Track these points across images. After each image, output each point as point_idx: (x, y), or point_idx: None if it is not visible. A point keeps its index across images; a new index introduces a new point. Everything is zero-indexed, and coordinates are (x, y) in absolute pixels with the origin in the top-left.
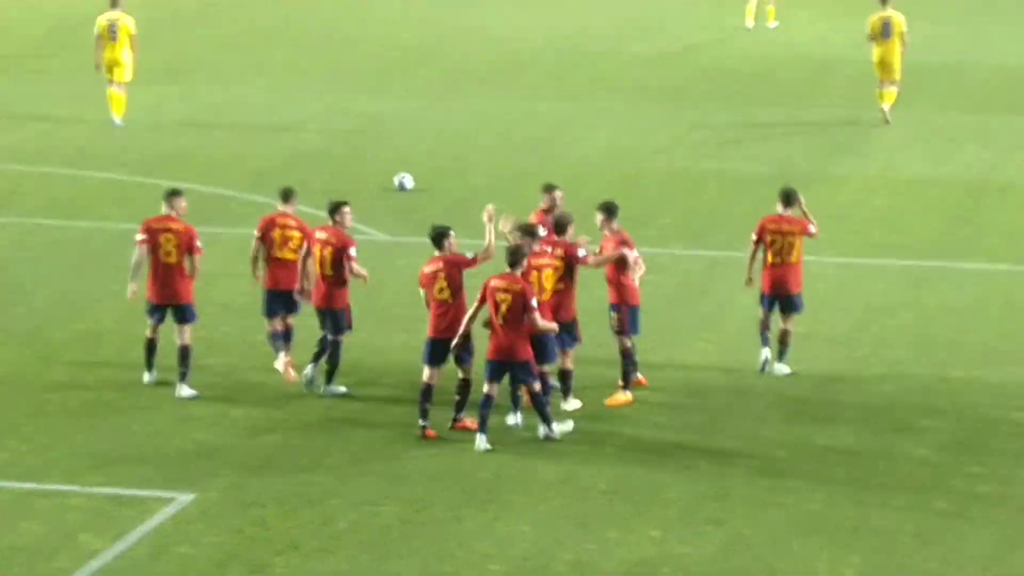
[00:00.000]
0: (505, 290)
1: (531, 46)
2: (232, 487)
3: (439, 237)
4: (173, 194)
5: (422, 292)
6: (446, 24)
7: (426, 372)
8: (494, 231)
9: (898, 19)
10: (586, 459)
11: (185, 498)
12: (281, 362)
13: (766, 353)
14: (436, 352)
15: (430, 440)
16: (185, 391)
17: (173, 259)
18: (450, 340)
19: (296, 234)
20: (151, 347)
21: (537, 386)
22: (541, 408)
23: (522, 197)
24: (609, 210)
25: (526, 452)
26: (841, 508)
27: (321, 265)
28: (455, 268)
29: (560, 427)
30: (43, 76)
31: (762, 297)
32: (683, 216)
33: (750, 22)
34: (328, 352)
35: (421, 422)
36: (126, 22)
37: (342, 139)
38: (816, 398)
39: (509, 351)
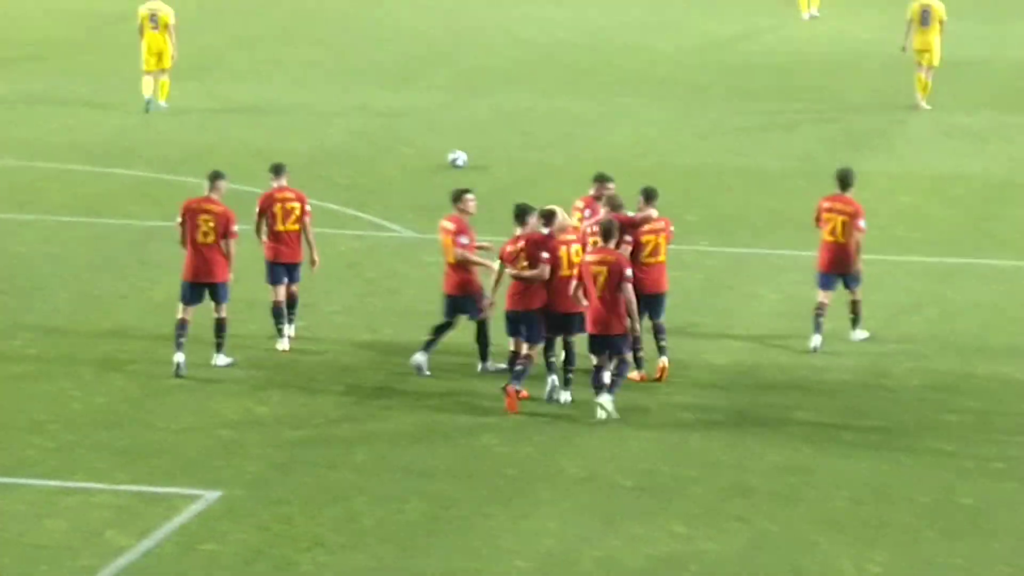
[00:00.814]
0: (600, 263)
1: (553, 43)
2: (258, 484)
3: (522, 214)
4: (216, 177)
5: (497, 265)
6: (468, 21)
7: (511, 342)
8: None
9: (937, 7)
10: (611, 455)
11: (211, 495)
12: (284, 343)
13: (817, 340)
14: (513, 324)
15: (522, 401)
16: (221, 360)
17: (211, 239)
18: (528, 312)
19: (296, 205)
20: (182, 327)
21: (629, 357)
22: (618, 381)
23: (546, 193)
24: (648, 195)
25: (551, 449)
26: (866, 505)
27: (446, 254)
28: (535, 246)
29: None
30: (67, 74)
31: (818, 275)
32: (708, 213)
33: (812, 12)
34: (477, 334)
35: (515, 385)
36: (166, 12)
37: (365, 136)
38: (842, 394)
39: (606, 324)
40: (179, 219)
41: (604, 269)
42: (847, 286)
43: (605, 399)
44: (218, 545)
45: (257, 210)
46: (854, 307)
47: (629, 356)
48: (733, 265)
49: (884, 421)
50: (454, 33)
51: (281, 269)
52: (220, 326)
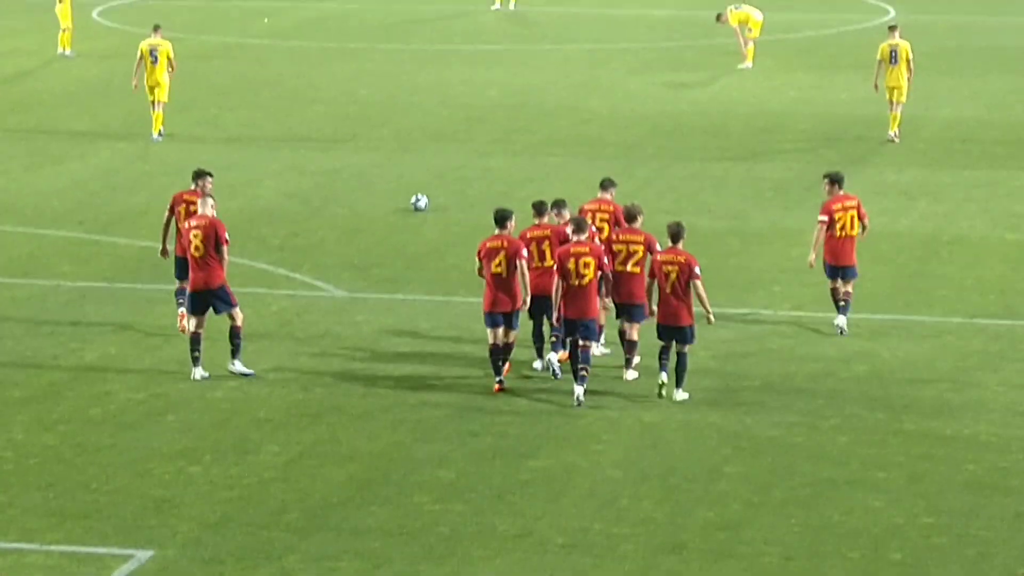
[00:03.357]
0: (671, 262)
1: (485, 103)
2: (190, 543)
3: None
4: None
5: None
6: (401, 83)
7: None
8: None
9: (905, 46)
10: (544, 512)
11: (143, 555)
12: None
13: (842, 320)
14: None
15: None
16: (238, 366)
17: (201, 253)
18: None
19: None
20: (196, 341)
21: (687, 349)
22: (683, 370)
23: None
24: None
25: (484, 507)
26: (797, 561)
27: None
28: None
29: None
30: None
31: (829, 267)
32: None
33: (746, 64)
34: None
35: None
36: (166, 47)
37: (298, 196)
38: (771, 450)
39: (676, 316)
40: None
41: (675, 268)
42: (845, 277)
43: (678, 393)
44: None
45: (167, 208)
46: (846, 297)
47: (688, 348)
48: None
49: (814, 477)
50: (387, 94)
51: (186, 264)
52: (234, 333)
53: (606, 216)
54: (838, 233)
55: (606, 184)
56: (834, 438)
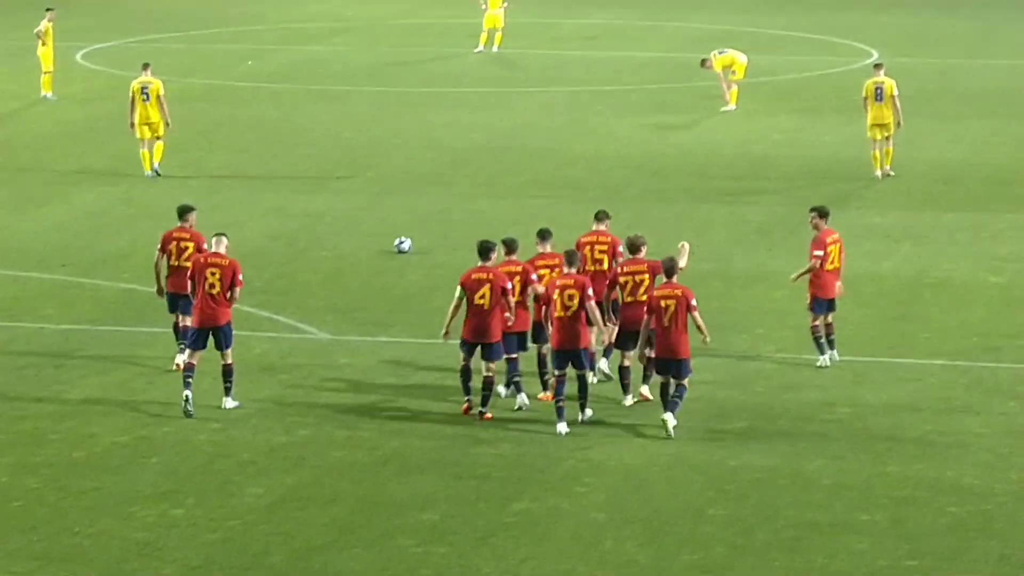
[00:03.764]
0: (668, 296)
1: (469, 146)
2: None
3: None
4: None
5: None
6: (385, 126)
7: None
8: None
9: (890, 83)
10: (527, 556)
11: None
12: (181, 359)
13: (826, 358)
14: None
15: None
16: (229, 403)
17: (216, 290)
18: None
19: (190, 245)
20: (190, 369)
21: (687, 380)
22: (679, 400)
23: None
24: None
25: (468, 550)
26: None
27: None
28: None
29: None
30: None
31: (819, 302)
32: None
33: (729, 107)
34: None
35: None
36: (157, 84)
37: (282, 239)
38: (755, 493)
39: (674, 350)
40: (190, 271)
41: (673, 301)
42: (832, 310)
43: (668, 416)
44: None
45: (158, 247)
46: (830, 330)
47: (687, 381)
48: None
49: (797, 520)
50: (371, 137)
51: (178, 300)
52: (227, 371)
53: (604, 248)
54: (828, 266)
55: (601, 216)
56: (818, 480)
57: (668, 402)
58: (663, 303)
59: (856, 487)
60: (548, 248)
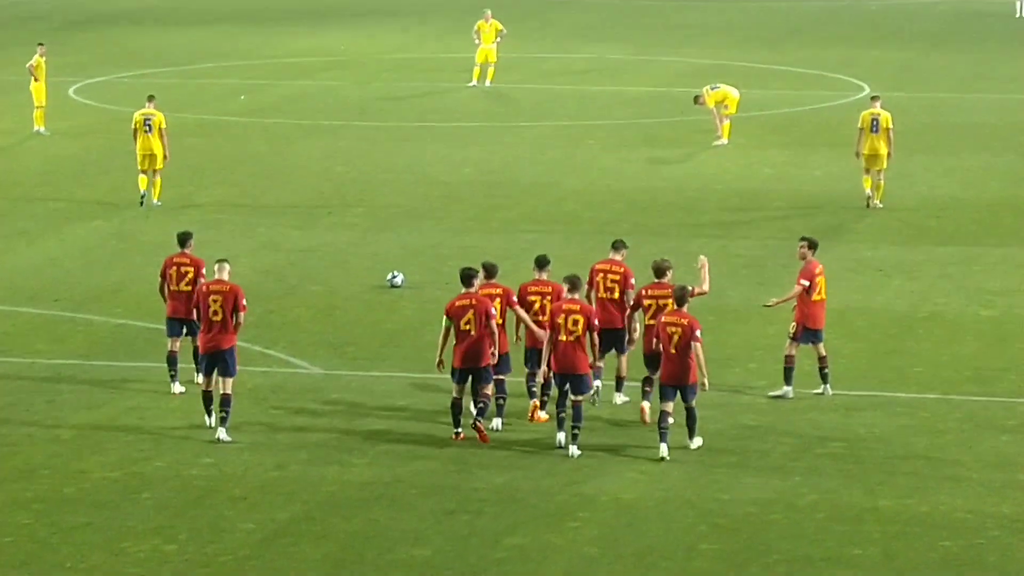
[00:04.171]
0: (675, 324)
1: (461, 181)
2: None
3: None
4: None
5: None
6: (377, 161)
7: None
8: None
9: (885, 115)
10: None
11: None
12: (176, 389)
13: (790, 389)
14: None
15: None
16: (223, 434)
17: (219, 317)
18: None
19: (190, 270)
20: (208, 398)
21: (694, 403)
22: (694, 421)
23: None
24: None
25: None
26: None
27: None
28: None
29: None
30: None
31: (808, 331)
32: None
33: (722, 141)
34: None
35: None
36: (159, 116)
37: (273, 273)
38: (747, 527)
39: (679, 376)
40: (193, 299)
41: (679, 330)
42: (818, 340)
43: (693, 442)
44: None
45: (160, 273)
46: (824, 361)
47: (694, 402)
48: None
49: (790, 554)
50: (363, 172)
51: (176, 324)
52: (225, 401)
53: (616, 277)
54: (815, 297)
55: (617, 245)
56: (810, 515)
57: (666, 440)
58: (670, 330)
59: (849, 521)
60: (544, 276)
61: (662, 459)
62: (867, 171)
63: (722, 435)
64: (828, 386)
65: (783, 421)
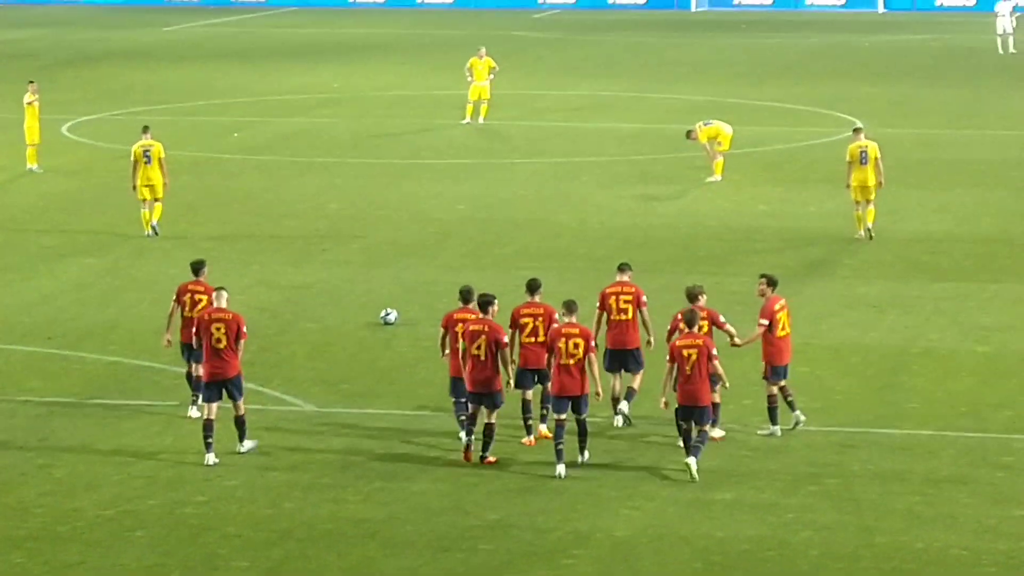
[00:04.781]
0: (690, 346)
1: (455, 217)
2: None
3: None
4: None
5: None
6: (371, 196)
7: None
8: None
9: (873, 147)
10: None
11: None
12: (194, 411)
13: (778, 428)
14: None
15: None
16: (246, 445)
17: (223, 344)
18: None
19: (204, 298)
20: (209, 427)
21: (707, 427)
22: (702, 445)
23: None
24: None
25: None
26: None
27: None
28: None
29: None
30: None
31: (776, 369)
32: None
33: (715, 177)
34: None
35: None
36: (158, 147)
37: (268, 311)
38: (741, 565)
39: (695, 397)
40: (194, 328)
41: (695, 351)
42: (787, 376)
43: (691, 461)
44: None
45: (173, 298)
46: (786, 391)
47: (707, 426)
48: (638, 442)
49: None
50: (357, 209)
51: (190, 350)
52: (240, 421)
53: (628, 298)
54: (779, 333)
55: (623, 267)
56: (805, 552)
57: (691, 447)
58: (685, 352)
59: (844, 558)
60: (536, 299)
61: (692, 478)
62: (857, 204)
63: (717, 472)
64: (799, 412)
65: (777, 457)
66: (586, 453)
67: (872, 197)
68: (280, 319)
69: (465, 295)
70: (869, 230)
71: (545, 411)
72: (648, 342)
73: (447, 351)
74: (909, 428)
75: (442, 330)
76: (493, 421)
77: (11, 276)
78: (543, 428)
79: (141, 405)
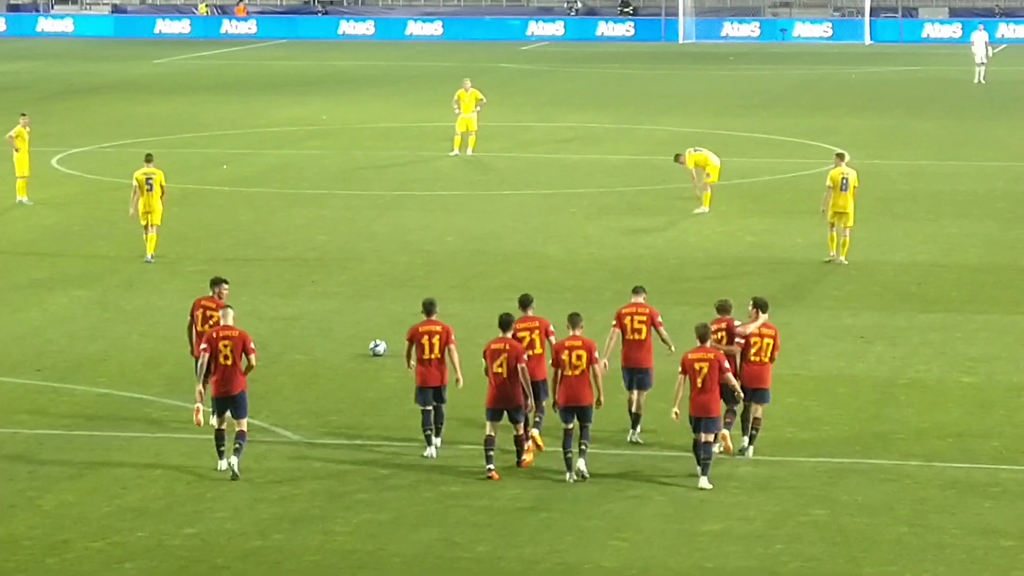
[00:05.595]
0: (702, 359)
1: (443, 249)
2: None
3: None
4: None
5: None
6: (359, 228)
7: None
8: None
9: (854, 174)
10: None
11: None
12: (212, 419)
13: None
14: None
15: None
16: (235, 461)
17: (230, 362)
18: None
19: (215, 314)
20: (220, 437)
21: (714, 437)
22: (709, 458)
23: None
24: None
25: None
26: None
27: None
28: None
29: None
30: None
31: (749, 391)
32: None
33: (703, 209)
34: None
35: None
36: (159, 175)
37: (256, 342)
38: None
39: (706, 408)
40: (203, 345)
41: (706, 364)
42: (758, 402)
43: (704, 481)
44: None
45: (189, 313)
46: (756, 424)
47: (714, 436)
48: (626, 474)
49: None
50: (346, 240)
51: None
52: (240, 436)
53: (643, 318)
54: (752, 358)
55: (638, 290)
56: None
57: (702, 464)
58: (697, 365)
59: None
60: (530, 313)
61: (701, 489)
62: (832, 227)
63: (704, 503)
64: (751, 449)
65: (765, 487)
66: (584, 462)
67: (850, 224)
68: (268, 351)
69: (427, 307)
70: (840, 259)
71: (538, 419)
72: (669, 351)
73: (412, 362)
74: (897, 459)
75: (407, 343)
76: (521, 433)
77: (0, 308)
78: (535, 432)
79: (131, 437)
